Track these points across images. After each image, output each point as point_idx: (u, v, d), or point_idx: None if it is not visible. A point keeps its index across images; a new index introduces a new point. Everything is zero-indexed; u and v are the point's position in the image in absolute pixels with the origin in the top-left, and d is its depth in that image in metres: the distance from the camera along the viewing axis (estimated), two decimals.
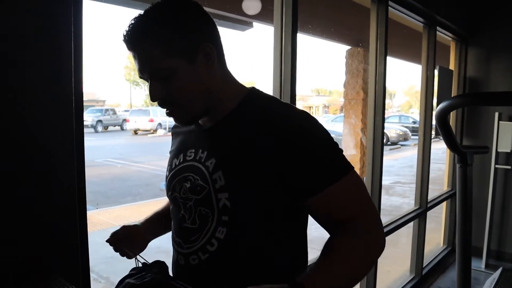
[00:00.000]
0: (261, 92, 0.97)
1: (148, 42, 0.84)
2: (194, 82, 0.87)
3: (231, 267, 0.89)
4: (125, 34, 0.85)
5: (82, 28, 1.10)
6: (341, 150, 0.89)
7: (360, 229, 0.85)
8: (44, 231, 1.04)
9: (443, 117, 1.61)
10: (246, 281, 0.79)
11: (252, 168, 0.85)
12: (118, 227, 1.08)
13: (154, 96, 0.87)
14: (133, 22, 0.85)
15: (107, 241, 1.05)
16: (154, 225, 1.15)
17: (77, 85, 1.08)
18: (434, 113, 1.66)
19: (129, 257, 1.02)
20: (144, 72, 0.87)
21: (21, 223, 0.99)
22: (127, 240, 1.05)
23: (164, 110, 0.92)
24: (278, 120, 0.86)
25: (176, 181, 0.98)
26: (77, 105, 1.09)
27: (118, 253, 1.06)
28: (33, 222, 1.02)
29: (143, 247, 1.09)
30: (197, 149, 0.95)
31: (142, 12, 0.86)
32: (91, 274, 0.89)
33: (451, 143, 1.77)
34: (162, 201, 1.21)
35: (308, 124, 0.87)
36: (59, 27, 1.03)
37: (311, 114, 0.90)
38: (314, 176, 0.85)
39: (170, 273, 0.98)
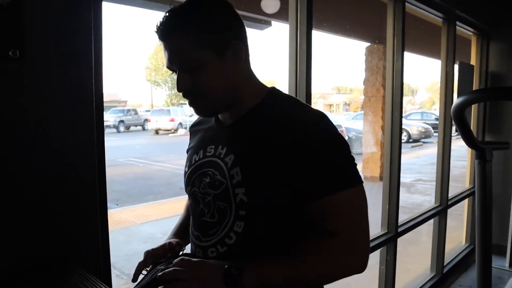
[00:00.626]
0: (281, 92, 1.00)
1: (181, 34, 0.87)
2: (221, 76, 0.91)
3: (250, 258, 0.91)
4: (158, 25, 0.89)
5: (101, 29, 1.14)
6: (353, 160, 0.91)
7: (342, 247, 0.86)
8: (67, 226, 1.09)
9: (459, 112, 1.60)
10: None
11: (267, 166, 0.88)
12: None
13: (181, 86, 0.90)
14: (167, 14, 0.88)
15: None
16: (185, 234, 1.12)
17: (97, 85, 1.12)
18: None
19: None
20: (174, 62, 0.90)
21: (45, 218, 1.04)
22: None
23: (187, 101, 0.95)
24: (295, 122, 0.89)
25: (196, 176, 1.01)
26: (98, 105, 1.13)
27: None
28: (57, 217, 1.06)
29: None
30: (217, 145, 0.98)
31: (176, 5, 0.90)
32: (114, 270, 0.92)
33: (469, 139, 1.75)
34: (182, 200, 1.22)
35: (324, 129, 0.89)
36: (78, 28, 1.08)
37: (328, 117, 0.92)
38: (323, 181, 0.86)
39: None
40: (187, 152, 1.14)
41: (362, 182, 0.90)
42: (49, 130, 1.04)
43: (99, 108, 1.14)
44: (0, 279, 0.96)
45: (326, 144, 0.88)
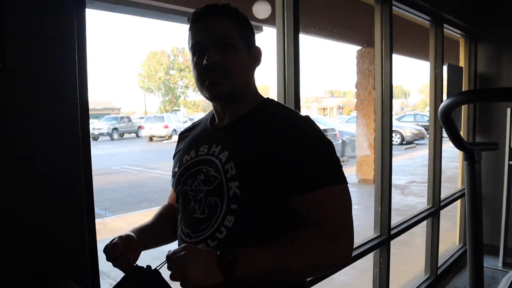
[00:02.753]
0: (273, 101, 1.10)
1: (226, 16, 0.98)
2: (245, 65, 1.01)
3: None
4: (203, 7, 0.97)
5: (85, 36, 1.14)
6: (338, 160, 0.97)
7: (325, 234, 0.90)
8: (53, 236, 1.08)
9: (446, 114, 1.61)
10: None
11: (259, 161, 0.94)
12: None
13: (212, 58, 0.94)
14: (212, 3, 0.98)
15: (105, 251, 0.95)
16: (147, 237, 1.09)
17: (82, 93, 1.12)
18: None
19: (125, 270, 0.91)
20: (210, 36, 0.96)
21: (30, 229, 1.03)
22: (125, 249, 0.97)
23: (206, 81, 0.97)
24: (284, 125, 0.97)
25: (188, 174, 1.04)
26: (83, 113, 1.13)
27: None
28: (44, 227, 1.06)
29: (137, 256, 1.02)
30: (210, 144, 1.04)
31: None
32: (107, 279, 0.91)
33: (456, 140, 1.76)
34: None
35: (310, 131, 0.97)
36: (61, 36, 1.07)
37: (313, 120, 1.00)
38: (308, 177, 0.92)
39: None
40: (174, 156, 1.17)
41: (347, 183, 0.96)
42: (33, 140, 1.03)
43: (84, 116, 1.13)
44: None
45: (312, 144, 0.94)
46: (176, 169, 1.09)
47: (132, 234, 1.01)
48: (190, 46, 1.00)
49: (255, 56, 1.04)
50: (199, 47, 0.97)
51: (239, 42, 0.98)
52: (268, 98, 1.09)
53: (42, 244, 1.06)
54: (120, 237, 0.98)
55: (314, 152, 0.94)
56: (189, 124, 1.21)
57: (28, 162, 1.03)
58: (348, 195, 0.95)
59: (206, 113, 1.20)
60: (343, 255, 0.92)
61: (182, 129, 1.25)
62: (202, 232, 0.97)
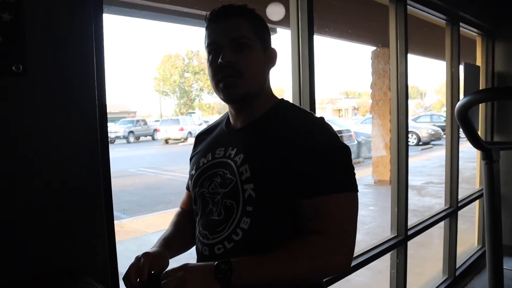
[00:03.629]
0: (288, 102, 1.10)
1: (242, 16, 0.99)
2: (260, 66, 1.01)
3: (254, 254, 0.94)
4: (220, 7, 0.98)
5: (103, 41, 1.16)
6: (352, 168, 0.96)
7: (323, 245, 0.91)
8: (74, 236, 1.10)
9: (463, 113, 1.59)
10: None
11: (273, 164, 0.94)
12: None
13: (227, 56, 0.95)
14: (229, 4, 0.99)
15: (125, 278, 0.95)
16: (168, 249, 1.08)
17: (100, 97, 1.14)
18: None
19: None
20: (226, 36, 0.96)
21: (52, 229, 1.06)
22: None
23: (220, 83, 0.98)
24: (298, 128, 0.97)
25: (205, 177, 1.05)
26: (101, 116, 1.15)
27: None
28: (63, 228, 1.08)
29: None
30: (226, 147, 1.05)
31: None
32: None
33: (474, 139, 1.74)
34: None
35: (325, 136, 0.97)
36: (79, 41, 1.10)
37: (329, 124, 1.00)
38: (318, 182, 0.92)
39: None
40: (191, 158, 1.18)
41: (357, 191, 0.95)
42: (54, 142, 1.06)
43: (103, 119, 1.16)
44: (5, 287, 0.98)
45: (324, 149, 0.95)
46: (193, 172, 1.11)
47: (159, 250, 1.03)
48: (206, 45, 1.01)
49: (270, 57, 1.04)
50: (215, 46, 0.98)
51: (255, 42, 0.99)
52: (283, 100, 1.09)
53: (64, 244, 1.08)
54: (148, 254, 0.98)
55: (324, 158, 0.93)
56: (204, 126, 1.23)
57: (49, 164, 1.05)
58: (356, 204, 0.95)
59: (221, 115, 1.21)
60: (339, 266, 0.93)
61: (198, 132, 1.26)
62: (219, 234, 0.99)
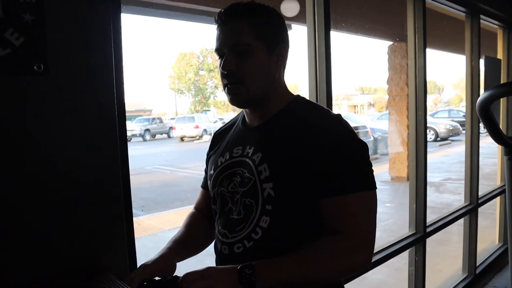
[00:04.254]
0: (304, 99, 1.09)
1: (244, 19, 0.96)
2: (264, 70, 0.99)
3: (272, 253, 0.94)
4: (224, 9, 0.97)
5: (121, 40, 1.16)
6: (370, 165, 0.96)
7: (344, 244, 0.92)
8: (96, 234, 1.12)
9: (485, 108, 1.56)
10: None
11: (292, 163, 0.94)
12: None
13: (227, 65, 0.96)
14: (234, 3, 0.98)
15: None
16: (181, 252, 1.09)
17: (119, 96, 1.15)
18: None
19: None
20: (228, 43, 0.96)
21: (74, 226, 1.08)
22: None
23: (225, 88, 0.99)
24: (316, 126, 0.97)
25: (224, 176, 1.05)
26: (120, 115, 1.16)
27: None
28: (84, 225, 1.10)
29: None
30: (244, 145, 1.04)
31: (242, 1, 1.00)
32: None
33: (496, 135, 1.70)
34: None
35: (342, 133, 0.96)
36: (98, 40, 1.11)
37: (346, 121, 0.99)
38: (337, 181, 0.92)
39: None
40: (208, 157, 1.18)
41: (376, 188, 0.95)
42: (74, 141, 1.07)
43: (122, 118, 1.17)
44: (29, 282, 1.00)
45: (343, 148, 0.94)
46: (212, 172, 1.10)
47: (166, 255, 1.02)
48: (214, 50, 1.01)
49: (280, 54, 1.01)
50: (219, 53, 0.99)
51: (257, 47, 0.96)
52: (298, 96, 1.08)
53: (83, 240, 1.10)
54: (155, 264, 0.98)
55: (342, 156, 0.93)
56: (219, 124, 1.23)
57: (71, 163, 1.07)
58: (374, 201, 0.95)
59: (237, 113, 1.20)
60: (360, 266, 0.93)
61: (215, 129, 1.26)
62: (239, 233, 0.99)
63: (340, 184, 0.92)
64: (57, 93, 1.04)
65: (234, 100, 1.00)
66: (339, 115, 1.00)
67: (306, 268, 0.90)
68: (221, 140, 1.16)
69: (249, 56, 0.96)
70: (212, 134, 1.24)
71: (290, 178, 0.94)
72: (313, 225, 0.96)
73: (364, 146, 0.96)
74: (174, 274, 0.97)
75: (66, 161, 1.06)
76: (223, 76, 0.98)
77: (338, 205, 0.92)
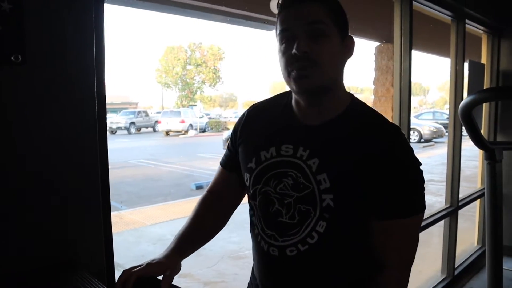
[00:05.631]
0: (362, 102, 1.02)
1: (323, 2, 0.90)
2: (337, 55, 0.92)
3: (327, 257, 0.96)
4: None
5: (103, 31, 1.14)
6: (423, 187, 0.94)
7: (391, 283, 0.94)
8: (69, 228, 1.09)
9: (467, 112, 1.57)
10: (338, 270, 0.97)
11: (354, 176, 0.91)
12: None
13: (303, 46, 0.87)
14: None
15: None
16: (187, 247, 1.05)
17: (99, 87, 1.13)
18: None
19: None
20: (303, 22, 0.88)
21: (47, 220, 1.05)
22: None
23: (293, 72, 0.90)
24: (381, 138, 0.92)
25: (271, 175, 0.99)
26: (100, 106, 1.13)
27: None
28: (60, 220, 1.07)
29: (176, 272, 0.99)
30: (296, 145, 0.97)
31: None
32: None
33: (477, 139, 1.72)
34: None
35: (406, 151, 0.93)
36: (80, 31, 1.08)
37: (404, 134, 0.96)
38: (396, 204, 0.91)
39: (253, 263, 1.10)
40: (242, 137, 1.08)
41: (425, 208, 0.94)
42: (51, 132, 1.05)
43: (102, 111, 1.14)
44: (2, 280, 0.97)
45: (407, 167, 0.92)
46: (253, 166, 1.02)
47: (166, 261, 0.96)
48: (278, 32, 0.93)
49: (347, 46, 0.95)
50: (288, 33, 0.89)
51: (333, 30, 0.90)
52: (353, 96, 1.01)
53: (58, 236, 1.07)
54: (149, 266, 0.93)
55: (405, 180, 0.91)
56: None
57: (44, 155, 1.04)
58: (421, 222, 0.97)
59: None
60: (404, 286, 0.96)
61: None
62: (292, 237, 0.96)
63: (399, 209, 0.91)
64: (34, 84, 1.01)
65: (306, 84, 0.90)
66: (402, 133, 0.96)
67: None
68: (259, 123, 1.06)
69: (325, 38, 0.88)
70: (246, 112, 1.12)
71: (351, 192, 0.91)
72: (364, 234, 0.96)
73: (422, 169, 0.94)
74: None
75: (41, 154, 1.03)
76: (294, 59, 0.88)
77: (387, 230, 0.92)
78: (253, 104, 1.14)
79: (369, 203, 0.91)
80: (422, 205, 0.93)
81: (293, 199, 0.95)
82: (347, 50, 0.95)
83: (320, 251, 0.95)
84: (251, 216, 1.07)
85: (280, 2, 0.92)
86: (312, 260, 0.96)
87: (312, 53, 0.87)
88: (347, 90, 1.01)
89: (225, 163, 1.15)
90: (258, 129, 1.06)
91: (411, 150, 0.93)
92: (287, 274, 0.99)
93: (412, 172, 0.92)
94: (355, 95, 1.03)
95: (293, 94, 0.99)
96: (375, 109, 0.99)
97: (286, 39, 0.90)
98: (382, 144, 0.91)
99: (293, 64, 0.89)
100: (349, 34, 0.96)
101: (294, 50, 0.87)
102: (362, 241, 0.96)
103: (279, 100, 1.06)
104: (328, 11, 0.89)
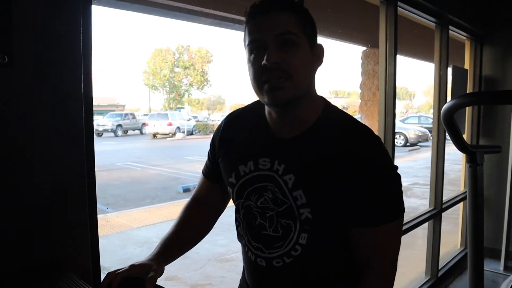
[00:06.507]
0: (333, 106, 1.00)
1: (290, 10, 0.89)
2: (307, 63, 0.91)
3: (312, 267, 0.98)
4: (261, 1, 0.90)
5: (91, 33, 1.15)
6: (401, 191, 0.93)
7: (375, 283, 0.93)
8: (55, 230, 1.09)
9: (449, 116, 1.61)
10: (323, 278, 0.98)
11: (329, 188, 0.90)
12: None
13: (273, 57, 0.86)
14: None
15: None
16: (172, 253, 1.05)
17: (86, 89, 1.13)
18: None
19: None
20: (272, 32, 0.87)
21: (33, 222, 1.05)
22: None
23: (265, 84, 0.89)
24: (356, 147, 0.90)
25: (251, 190, 0.99)
26: (87, 108, 1.14)
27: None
28: (45, 221, 1.07)
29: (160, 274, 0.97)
30: (272, 159, 0.96)
31: None
32: None
33: (459, 143, 1.76)
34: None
35: (382, 158, 0.92)
36: (67, 32, 1.08)
37: (382, 141, 0.95)
38: (372, 211, 0.90)
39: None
40: (221, 149, 1.08)
41: (403, 212, 0.93)
42: (38, 134, 1.04)
43: (89, 113, 1.15)
44: None
45: (384, 174, 0.91)
46: (233, 181, 1.02)
47: (148, 262, 0.95)
48: (246, 43, 0.91)
49: (317, 54, 0.94)
50: (258, 44, 0.88)
51: (302, 39, 0.89)
52: (326, 102, 1.00)
53: (44, 238, 1.07)
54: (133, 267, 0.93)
55: (383, 187, 0.90)
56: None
57: (31, 157, 1.04)
58: (402, 223, 0.95)
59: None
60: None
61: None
62: (277, 250, 0.98)
63: (376, 215, 0.90)
64: (20, 85, 1.01)
65: (279, 96, 0.89)
66: (379, 138, 0.94)
67: None
68: (236, 134, 1.06)
69: (295, 48, 0.88)
70: (223, 122, 1.12)
71: (328, 204, 0.91)
72: (344, 242, 0.97)
73: (398, 173, 0.93)
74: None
75: (27, 156, 1.03)
76: (265, 70, 0.87)
77: (369, 236, 0.91)
78: (230, 113, 1.13)
79: (348, 213, 0.91)
80: (401, 210, 0.92)
81: (274, 212, 0.96)
82: (317, 58, 0.94)
83: (305, 262, 0.97)
84: (237, 227, 1.09)
85: (247, 10, 0.91)
86: (298, 270, 0.99)
87: (283, 64, 0.87)
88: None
89: (207, 174, 1.16)
90: (235, 142, 1.05)
91: (387, 155, 0.92)
92: (275, 283, 1.03)
93: (388, 178, 0.91)
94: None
95: (268, 108, 0.98)
96: (362, 112, 1.00)
97: (256, 50, 0.89)
98: (356, 153, 0.89)
99: (263, 75, 0.88)
100: (318, 42, 0.96)
101: (264, 61, 0.86)
102: (345, 249, 0.97)
103: (255, 109, 1.05)
104: (297, 20, 0.89)
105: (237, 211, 1.05)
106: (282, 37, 0.87)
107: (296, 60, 0.88)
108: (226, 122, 1.11)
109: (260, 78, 0.89)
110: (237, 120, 1.09)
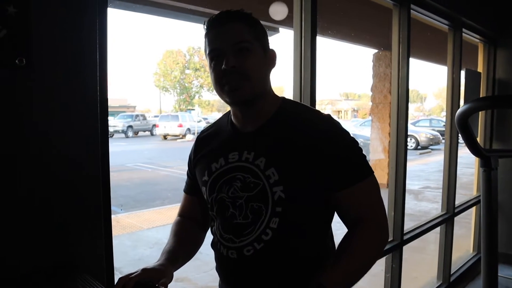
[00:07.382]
0: (292, 101, 1.15)
1: (241, 21, 1.00)
2: (262, 67, 1.03)
3: (283, 253, 1.00)
4: (218, 14, 1.01)
5: (107, 36, 1.16)
6: (363, 154, 1.03)
7: (373, 230, 1.01)
8: (70, 231, 1.10)
9: (463, 120, 1.59)
10: (296, 265, 1.01)
11: (298, 164, 0.98)
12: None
13: (231, 62, 0.97)
14: (226, 10, 1.01)
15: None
16: (174, 263, 1.05)
17: (102, 91, 1.15)
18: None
19: None
20: (229, 41, 0.98)
21: (49, 223, 1.06)
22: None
23: (226, 86, 0.99)
24: (313, 127, 1.02)
25: (222, 182, 1.05)
26: (102, 111, 1.15)
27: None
28: (60, 222, 1.08)
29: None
30: (241, 151, 1.05)
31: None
32: (120, 275, 0.93)
33: (473, 147, 1.74)
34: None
35: (335, 129, 1.03)
36: (83, 35, 1.10)
37: (334, 119, 1.06)
38: (344, 175, 0.99)
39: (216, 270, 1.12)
40: (194, 161, 1.17)
41: (373, 172, 1.03)
42: (54, 136, 1.06)
43: (104, 113, 1.16)
44: (2, 281, 0.98)
45: (342, 144, 1.01)
46: (206, 178, 1.09)
47: (159, 268, 0.97)
48: (207, 52, 1.02)
49: (270, 58, 1.06)
50: (217, 53, 0.99)
51: (256, 46, 1.01)
52: (285, 98, 1.11)
53: (60, 238, 1.08)
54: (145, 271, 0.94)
55: (346, 149, 1.01)
56: (203, 124, 1.22)
57: (48, 158, 1.05)
58: (377, 183, 1.03)
59: (221, 114, 1.20)
60: (386, 238, 1.05)
61: (198, 128, 1.25)
62: (247, 236, 1.01)
63: (349, 177, 0.99)
64: (38, 87, 1.02)
65: (238, 95, 1.00)
66: (328, 114, 1.06)
67: (357, 265, 0.97)
68: (207, 144, 1.15)
69: (250, 53, 0.99)
70: (195, 138, 1.23)
71: (300, 178, 0.98)
72: (322, 220, 1.06)
73: (355, 139, 1.04)
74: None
75: (44, 157, 1.04)
76: (225, 74, 0.98)
77: (351, 196, 0.99)
78: (201, 131, 1.24)
79: (323, 183, 0.98)
80: (368, 169, 1.02)
81: (243, 199, 1.01)
82: (270, 61, 1.06)
83: (276, 247, 0.99)
84: (211, 229, 1.13)
85: (206, 23, 1.02)
86: (268, 257, 1.00)
87: (240, 67, 0.98)
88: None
89: (188, 189, 1.23)
90: (208, 148, 1.14)
91: (343, 129, 1.03)
92: (246, 275, 1.04)
93: (351, 144, 1.02)
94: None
95: (231, 108, 1.09)
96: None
97: (215, 58, 1.00)
98: (318, 129, 1.00)
99: (224, 78, 0.99)
100: (271, 48, 1.07)
101: (223, 66, 0.97)
102: (316, 230, 1.04)
103: (223, 118, 1.17)
104: (250, 30, 1.00)
105: (211, 209, 1.09)
106: (238, 45, 0.98)
107: (251, 63, 0.99)
108: (198, 138, 1.21)
109: (221, 81, 1.00)
110: (207, 133, 1.19)
